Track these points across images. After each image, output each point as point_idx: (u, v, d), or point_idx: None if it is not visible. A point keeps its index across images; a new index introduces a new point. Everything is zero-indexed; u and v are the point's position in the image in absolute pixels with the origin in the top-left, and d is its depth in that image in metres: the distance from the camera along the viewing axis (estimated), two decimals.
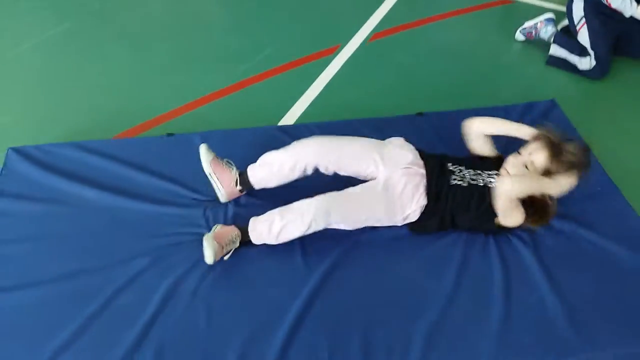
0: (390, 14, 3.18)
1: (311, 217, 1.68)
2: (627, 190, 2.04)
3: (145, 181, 1.93)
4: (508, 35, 3.03)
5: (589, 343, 1.55)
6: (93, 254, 1.69)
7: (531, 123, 1.96)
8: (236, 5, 3.30)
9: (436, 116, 2.30)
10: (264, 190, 1.88)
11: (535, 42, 2.96)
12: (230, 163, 1.87)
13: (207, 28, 3.06)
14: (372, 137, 1.92)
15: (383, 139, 1.93)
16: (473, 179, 1.79)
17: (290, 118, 2.41)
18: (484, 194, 1.76)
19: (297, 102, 2.51)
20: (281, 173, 1.83)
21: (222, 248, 1.67)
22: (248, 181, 1.86)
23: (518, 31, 3.00)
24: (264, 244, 1.73)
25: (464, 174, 1.81)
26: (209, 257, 1.64)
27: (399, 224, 1.79)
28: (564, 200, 1.85)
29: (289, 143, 1.89)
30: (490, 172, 1.82)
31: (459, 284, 1.67)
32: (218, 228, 1.70)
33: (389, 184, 1.76)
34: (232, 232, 1.71)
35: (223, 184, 1.82)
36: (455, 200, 1.77)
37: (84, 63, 2.70)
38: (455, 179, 1.79)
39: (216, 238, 1.67)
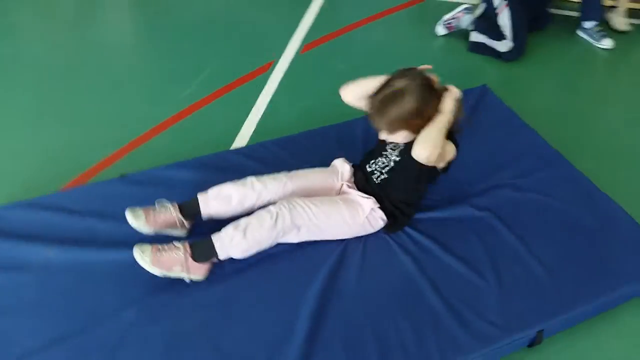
0: (315, 24, 3.24)
1: (277, 212, 1.65)
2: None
3: (107, 228, 1.82)
4: (429, 30, 3.18)
5: (573, 298, 1.68)
6: (74, 317, 1.58)
7: (467, 111, 2.08)
8: (162, 31, 3.21)
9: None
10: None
11: (455, 34, 3.13)
12: (163, 205, 1.76)
13: (140, 56, 2.98)
14: (328, 144, 1.97)
15: (339, 146, 1.96)
16: (386, 165, 1.80)
17: (241, 140, 2.39)
18: (402, 169, 1.76)
19: (245, 122, 2.50)
20: (240, 207, 1.76)
21: (158, 250, 1.61)
22: (197, 210, 1.76)
23: (438, 25, 3.16)
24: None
25: (378, 166, 1.82)
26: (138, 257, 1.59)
27: (366, 229, 1.79)
28: (521, 174, 2.06)
29: (247, 165, 1.87)
30: (390, 146, 1.80)
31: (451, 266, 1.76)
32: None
33: (343, 195, 1.82)
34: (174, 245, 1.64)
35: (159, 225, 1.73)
36: (391, 193, 1.79)
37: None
38: (377, 176, 1.81)
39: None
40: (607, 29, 3.13)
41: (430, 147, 1.63)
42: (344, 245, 1.79)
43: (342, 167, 1.89)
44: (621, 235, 1.89)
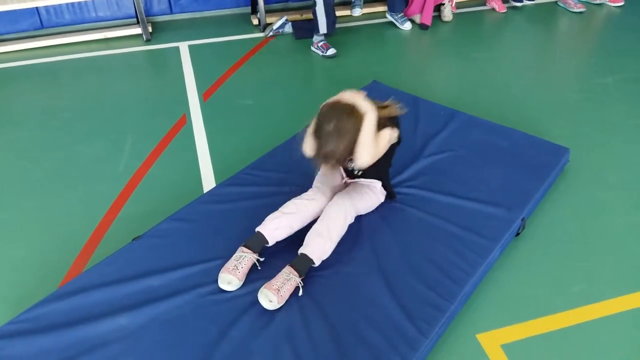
0: (198, 75, 3.49)
1: (343, 208, 1.99)
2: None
3: (158, 282, 1.90)
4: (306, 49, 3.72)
5: (531, 187, 2.31)
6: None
7: None
8: (62, 123, 3.12)
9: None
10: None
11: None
12: (240, 257, 1.94)
13: (59, 153, 2.86)
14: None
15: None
16: None
17: (208, 183, 2.56)
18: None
19: (201, 167, 2.67)
20: (301, 225, 2.02)
21: (277, 291, 1.82)
22: (264, 243, 1.97)
23: (269, 33, 3.94)
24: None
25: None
26: (266, 305, 1.81)
27: (381, 200, 2.22)
28: (447, 146, 2.61)
29: (247, 191, 2.17)
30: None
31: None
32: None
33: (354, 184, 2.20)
34: (281, 274, 1.87)
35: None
36: (370, 177, 2.20)
37: None
38: (357, 171, 2.16)
39: (266, 287, 1.84)
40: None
41: (366, 155, 1.88)
42: None
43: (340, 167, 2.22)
44: (527, 142, 2.61)
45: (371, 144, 1.88)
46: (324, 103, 1.94)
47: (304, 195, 2.10)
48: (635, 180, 2.58)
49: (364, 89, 3.04)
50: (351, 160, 1.92)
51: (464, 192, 2.31)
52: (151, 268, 1.95)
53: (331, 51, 3.76)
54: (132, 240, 2.09)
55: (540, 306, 1.99)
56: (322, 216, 2.00)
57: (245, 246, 1.96)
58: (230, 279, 1.89)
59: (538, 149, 2.57)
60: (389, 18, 4.16)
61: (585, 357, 1.82)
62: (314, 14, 3.74)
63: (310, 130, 1.92)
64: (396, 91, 3.06)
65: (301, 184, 2.30)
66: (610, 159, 2.72)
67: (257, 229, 2.00)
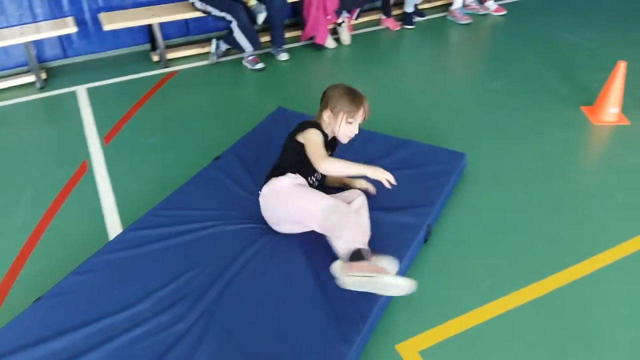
0: (98, 120, 3.39)
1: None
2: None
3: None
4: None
5: (434, 195, 2.41)
6: None
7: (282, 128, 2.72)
8: None
9: (229, 157, 2.75)
10: None
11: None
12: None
13: None
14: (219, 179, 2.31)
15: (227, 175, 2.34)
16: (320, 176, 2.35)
17: (114, 229, 2.47)
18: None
19: (105, 214, 2.57)
20: None
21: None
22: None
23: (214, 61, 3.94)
24: None
25: (315, 177, 2.31)
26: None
27: None
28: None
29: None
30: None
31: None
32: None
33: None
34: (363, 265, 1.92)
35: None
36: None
37: None
38: (316, 179, 2.31)
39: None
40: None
41: (318, 166, 2.15)
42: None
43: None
44: (426, 152, 2.74)
45: (316, 154, 2.15)
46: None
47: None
48: (528, 177, 2.77)
49: (270, 116, 3.11)
50: None
51: (369, 205, 2.36)
52: (54, 330, 1.83)
53: (260, 65, 3.90)
54: (34, 302, 1.97)
55: (452, 307, 2.07)
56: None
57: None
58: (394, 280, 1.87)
59: (436, 157, 2.70)
60: (272, 51, 4.20)
61: (497, 350, 1.91)
62: (232, 42, 3.86)
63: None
64: (303, 115, 3.11)
65: (213, 218, 2.30)
66: (504, 159, 2.90)
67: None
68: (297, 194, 2.15)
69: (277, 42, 4.10)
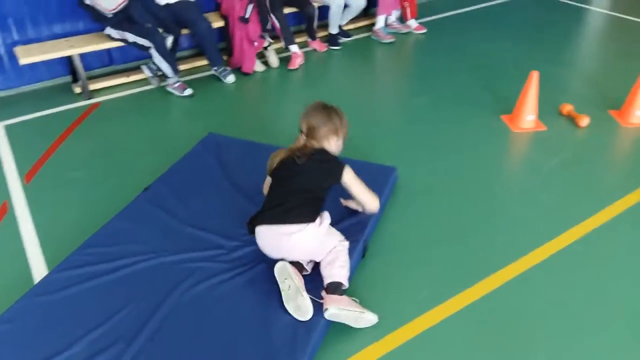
0: (18, 158, 3.21)
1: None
2: None
3: None
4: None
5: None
6: None
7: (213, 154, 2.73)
8: None
9: (159, 188, 2.68)
10: None
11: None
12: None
13: None
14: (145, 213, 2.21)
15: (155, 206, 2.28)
16: None
17: (39, 271, 2.33)
18: None
19: (29, 256, 2.43)
20: None
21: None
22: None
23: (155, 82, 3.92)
24: None
25: None
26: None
27: None
28: None
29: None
30: None
31: None
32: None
33: None
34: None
35: None
36: None
37: None
38: None
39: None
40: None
41: (375, 204, 2.39)
42: None
43: None
44: (359, 168, 2.69)
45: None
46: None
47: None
48: (457, 186, 2.86)
49: (200, 142, 3.06)
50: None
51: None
52: None
53: (188, 91, 3.87)
54: None
55: (394, 320, 2.09)
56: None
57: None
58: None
59: (368, 172, 2.71)
60: (213, 72, 4.18)
61: (440, 358, 1.95)
62: (149, 67, 3.82)
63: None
64: (234, 140, 3.09)
65: (144, 252, 2.22)
66: (434, 170, 2.99)
67: None
68: (333, 232, 2.21)
69: (215, 62, 4.07)
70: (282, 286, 2.02)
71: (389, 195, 2.71)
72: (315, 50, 4.67)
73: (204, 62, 4.30)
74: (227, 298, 2.04)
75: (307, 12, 4.49)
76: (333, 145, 2.30)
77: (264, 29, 4.22)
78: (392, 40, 4.83)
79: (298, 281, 2.01)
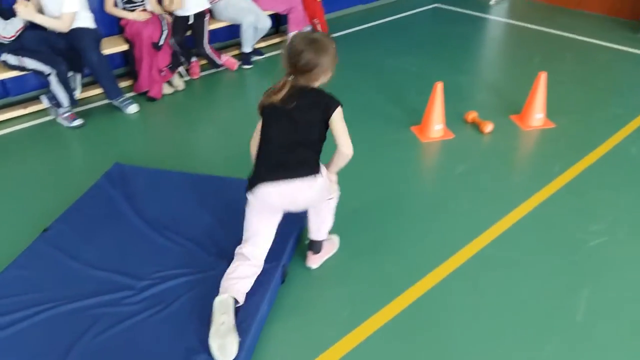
0: None
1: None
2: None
3: None
4: None
5: (285, 236, 2.37)
6: None
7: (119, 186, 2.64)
8: None
9: (60, 227, 2.51)
10: None
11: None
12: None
13: None
14: None
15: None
16: None
17: None
18: None
19: None
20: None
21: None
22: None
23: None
24: None
25: None
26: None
27: None
28: (198, 213, 2.54)
29: None
30: None
31: None
32: None
33: None
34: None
35: None
36: None
37: None
38: None
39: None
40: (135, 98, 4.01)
41: (349, 150, 2.22)
42: None
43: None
44: None
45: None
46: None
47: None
48: (372, 199, 2.89)
49: (105, 175, 2.89)
50: None
51: (226, 254, 2.29)
52: None
53: (78, 121, 3.67)
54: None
55: (317, 343, 2.05)
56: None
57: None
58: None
59: None
60: (114, 103, 3.95)
61: None
62: (50, 94, 3.61)
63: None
64: (142, 169, 2.96)
65: (45, 301, 2.05)
66: (346, 186, 2.97)
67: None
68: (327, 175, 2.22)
69: (111, 94, 3.86)
70: (216, 320, 1.91)
71: (304, 216, 2.67)
72: (227, 69, 4.60)
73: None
74: (137, 343, 1.92)
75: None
76: (324, 81, 2.11)
77: (174, 63, 4.11)
78: None
79: (233, 320, 1.93)
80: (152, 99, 4.03)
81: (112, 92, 3.86)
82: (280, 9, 4.83)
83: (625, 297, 2.26)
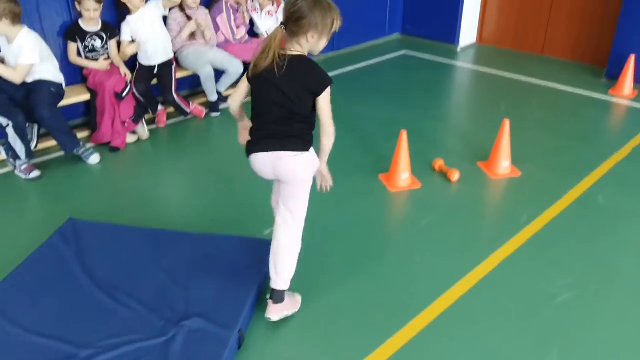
0: None
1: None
2: None
3: None
4: None
5: (242, 300, 2.25)
6: None
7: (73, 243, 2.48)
8: None
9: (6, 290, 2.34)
10: None
11: None
12: None
13: None
14: None
15: None
16: None
17: None
18: None
19: None
20: None
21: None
22: None
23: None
24: None
25: None
26: None
27: None
28: (152, 268, 2.41)
29: None
30: None
31: None
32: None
33: None
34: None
35: None
36: None
37: None
38: None
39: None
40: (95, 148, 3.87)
41: (330, 128, 2.26)
42: None
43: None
44: (235, 245, 2.63)
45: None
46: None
47: None
48: (341, 250, 2.80)
49: (58, 231, 2.76)
50: None
51: (179, 317, 2.16)
52: None
53: (35, 174, 3.53)
54: None
55: None
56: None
57: None
58: None
59: (246, 249, 2.60)
60: (75, 154, 3.80)
61: None
62: (9, 148, 3.49)
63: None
64: (98, 225, 2.83)
65: None
66: (315, 235, 2.91)
67: None
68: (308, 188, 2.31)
69: (67, 147, 3.71)
70: None
71: (262, 275, 2.56)
72: (196, 117, 4.54)
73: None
74: None
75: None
76: (313, 44, 2.09)
77: (137, 114, 4.05)
78: None
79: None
80: (115, 149, 3.92)
81: (67, 145, 3.71)
82: (248, 57, 4.80)
83: (598, 358, 2.18)
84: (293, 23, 2.03)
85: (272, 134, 2.14)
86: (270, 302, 2.30)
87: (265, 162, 2.19)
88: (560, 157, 3.81)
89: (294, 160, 2.15)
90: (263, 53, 2.06)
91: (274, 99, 2.08)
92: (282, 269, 2.27)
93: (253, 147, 2.21)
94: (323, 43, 2.11)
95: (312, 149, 2.23)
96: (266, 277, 2.48)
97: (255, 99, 2.16)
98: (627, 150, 3.89)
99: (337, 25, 2.10)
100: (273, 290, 2.30)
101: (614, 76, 5.22)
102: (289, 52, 2.07)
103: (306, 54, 2.12)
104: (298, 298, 2.43)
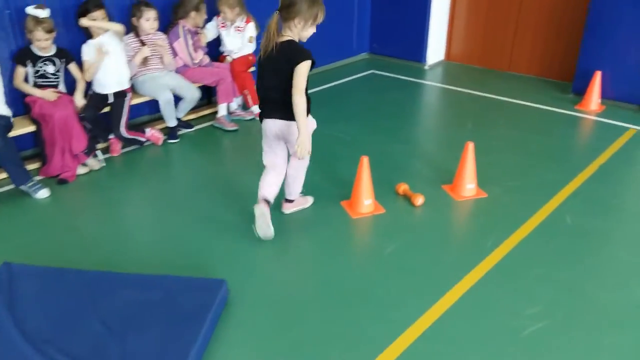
0: None
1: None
2: None
3: None
4: None
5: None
6: None
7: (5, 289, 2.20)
8: None
9: None
10: None
11: None
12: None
13: None
14: None
15: None
16: None
17: None
18: None
19: None
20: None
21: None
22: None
23: None
24: None
25: None
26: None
27: None
28: (96, 316, 2.21)
29: None
30: None
31: None
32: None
33: None
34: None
35: None
36: None
37: None
38: None
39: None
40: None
41: (297, 95, 2.77)
42: None
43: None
44: (181, 286, 2.44)
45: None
46: None
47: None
48: (296, 288, 2.64)
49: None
50: None
51: None
52: None
53: None
54: None
55: None
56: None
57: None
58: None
59: (192, 290, 2.42)
60: (21, 188, 3.57)
61: None
62: None
63: None
64: (36, 269, 2.62)
65: None
66: (268, 272, 2.75)
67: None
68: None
69: (17, 180, 3.52)
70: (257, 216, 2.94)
71: (220, 313, 2.39)
72: (153, 144, 4.36)
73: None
74: None
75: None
76: (300, 30, 2.66)
77: (90, 147, 3.86)
78: (235, 128, 4.68)
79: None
80: (64, 181, 3.72)
81: (18, 177, 3.52)
82: (208, 82, 4.68)
83: None
84: (285, 9, 2.60)
85: (271, 106, 2.83)
86: (284, 201, 3.22)
87: (276, 126, 2.87)
88: (527, 177, 3.72)
89: (294, 127, 2.81)
90: (265, 38, 2.66)
91: (269, 78, 2.73)
92: (296, 187, 3.18)
93: (262, 115, 2.90)
94: (309, 30, 2.67)
95: (310, 116, 2.89)
96: (215, 321, 2.32)
97: (259, 80, 2.81)
98: (594, 168, 3.83)
99: (320, 17, 2.65)
100: (287, 198, 3.20)
101: (580, 91, 5.20)
102: (282, 38, 2.65)
103: (297, 40, 2.68)
104: (310, 199, 3.32)
